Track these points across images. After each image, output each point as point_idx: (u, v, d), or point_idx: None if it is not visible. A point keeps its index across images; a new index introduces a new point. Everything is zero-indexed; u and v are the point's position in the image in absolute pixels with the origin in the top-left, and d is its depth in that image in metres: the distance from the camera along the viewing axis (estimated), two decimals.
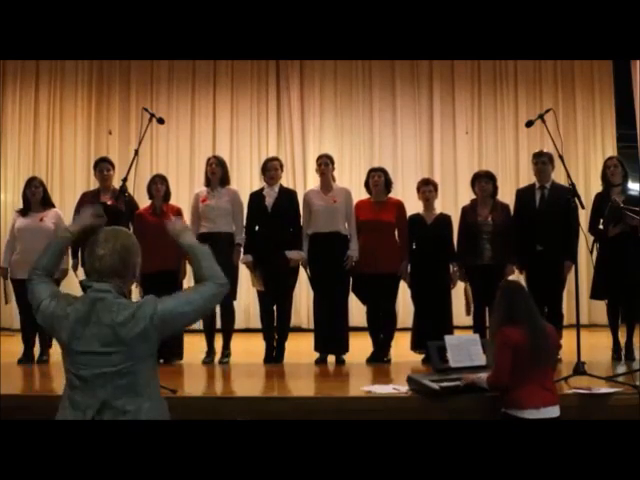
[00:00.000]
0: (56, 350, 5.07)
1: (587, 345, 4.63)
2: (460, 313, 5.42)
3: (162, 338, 2.31)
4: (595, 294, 5.25)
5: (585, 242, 4.97)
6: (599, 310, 6.59)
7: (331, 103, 8.32)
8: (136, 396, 2.26)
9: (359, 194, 5.56)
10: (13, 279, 5.38)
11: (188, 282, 5.57)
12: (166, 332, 2.31)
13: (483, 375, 3.45)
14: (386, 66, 8.32)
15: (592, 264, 5.28)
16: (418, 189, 5.43)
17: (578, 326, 4.26)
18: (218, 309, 5.37)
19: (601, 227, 5.15)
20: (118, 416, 2.23)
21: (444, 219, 5.36)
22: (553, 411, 3.19)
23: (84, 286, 2.35)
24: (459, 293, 5.34)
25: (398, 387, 3.85)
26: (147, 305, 2.28)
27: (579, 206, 4.32)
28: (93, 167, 5.65)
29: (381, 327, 5.28)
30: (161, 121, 4.72)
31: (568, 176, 4.45)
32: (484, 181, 5.25)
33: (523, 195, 5.36)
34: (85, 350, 2.23)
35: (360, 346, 5.28)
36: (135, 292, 4.88)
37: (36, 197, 5.40)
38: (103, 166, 5.51)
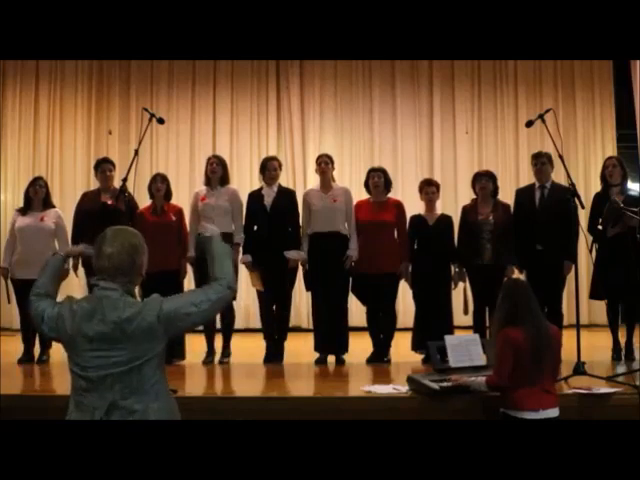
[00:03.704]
0: (56, 350, 5.08)
1: (587, 345, 4.63)
2: (460, 313, 5.42)
3: (169, 337, 2.32)
4: (595, 294, 5.25)
5: (585, 242, 4.97)
6: (599, 310, 6.59)
7: (331, 103, 8.31)
8: (144, 395, 2.26)
9: (359, 194, 5.56)
10: (13, 279, 5.38)
11: (188, 282, 5.58)
12: (172, 331, 2.31)
13: (480, 378, 3.44)
14: (386, 66, 8.30)
15: (592, 264, 5.27)
16: (420, 190, 5.43)
17: (578, 326, 4.26)
18: None
19: (600, 227, 5.14)
20: (126, 416, 2.22)
21: (446, 220, 5.35)
22: (552, 413, 3.19)
23: (91, 285, 2.35)
24: (459, 293, 5.34)
25: (398, 387, 3.86)
26: (153, 303, 2.29)
27: (579, 206, 4.33)
28: (94, 168, 5.64)
29: (381, 327, 5.28)
30: (161, 121, 4.72)
31: (568, 176, 4.45)
32: (484, 180, 5.25)
33: (522, 195, 5.36)
34: (91, 348, 2.22)
35: (360, 346, 5.28)
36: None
37: (38, 196, 5.41)
38: (105, 167, 5.51)
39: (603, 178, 5.26)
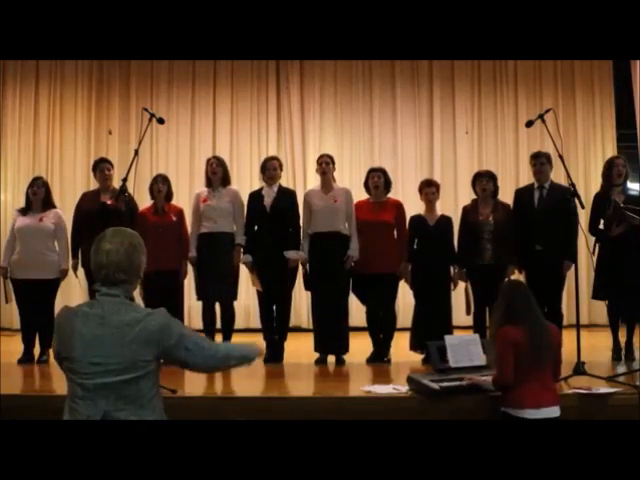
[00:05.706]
0: None
1: (587, 345, 4.63)
2: (460, 313, 5.42)
3: (160, 358, 2.28)
4: (596, 294, 5.25)
5: (585, 242, 4.97)
6: (599, 310, 6.59)
7: (331, 103, 8.31)
8: (139, 408, 2.23)
9: (359, 194, 5.55)
10: (13, 279, 5.38)
11: (189, 282, 5.58)
12: (164, 354, 2.27)
13: (489, 378, 3.45)
14: (386, 66, 8.30)
15: (592, 264, 5.27)
16: (420, 190, 5.43)
17: (578, 326, 4.26)
18: (218, 309, 5.38)
19: (601, 227, 5.14)
20: None
21: (446, 220, 5.35)
22: (553, 411, 3.20)
23: (93, 291, 2.33)
24: (459, 293, 5.34)
25: (398, 387, 3.86)
26: (160, 315, 2.28)
27: (579, 206, 4.32)
28: (92, 168, 5.65)
29: (381, 327, 5.28)
30: (161, 121, 4.71)
31: (568, 176, 4.45)
32: (485, 180, 5.25)
33: (522, 195, 5.36)
34: (89, 353, 2.19)
35: (360, 346, 5.28)
36: (135, 292, 4.86)
37: (38, 197, 5.39)
38: (104, 166, 5.51)
39: (607, 177, 5.23)
